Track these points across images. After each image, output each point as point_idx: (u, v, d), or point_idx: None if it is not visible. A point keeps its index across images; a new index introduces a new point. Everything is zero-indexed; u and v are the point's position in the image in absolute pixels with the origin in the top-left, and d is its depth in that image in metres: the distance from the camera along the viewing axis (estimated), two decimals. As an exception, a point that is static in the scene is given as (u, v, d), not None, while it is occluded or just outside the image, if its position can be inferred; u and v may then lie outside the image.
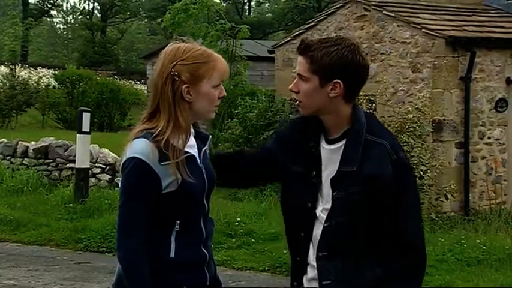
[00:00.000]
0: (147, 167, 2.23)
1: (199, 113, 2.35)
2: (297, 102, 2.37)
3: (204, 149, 2.40)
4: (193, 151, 2.35)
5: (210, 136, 2.49)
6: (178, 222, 2.31)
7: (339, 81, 2.26)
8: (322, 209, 2.34)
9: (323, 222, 2.32)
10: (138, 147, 2.25)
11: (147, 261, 2.26)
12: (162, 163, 2.23)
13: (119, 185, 2.35)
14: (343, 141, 2.31)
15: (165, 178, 2.25)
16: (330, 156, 2.33)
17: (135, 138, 2.28)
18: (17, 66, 23.89)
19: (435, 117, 10.32)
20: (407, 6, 11.58)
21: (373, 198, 2.25)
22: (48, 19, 51.40)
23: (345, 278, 2.30)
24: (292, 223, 2.45)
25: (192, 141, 2.37)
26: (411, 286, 2.32)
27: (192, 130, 2.38)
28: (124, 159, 2.28)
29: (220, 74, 2.34)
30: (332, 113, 2.32)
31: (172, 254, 2.30)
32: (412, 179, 2.38)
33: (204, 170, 2.36)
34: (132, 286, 2.27)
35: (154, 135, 2.25)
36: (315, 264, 2.35)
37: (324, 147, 2.36)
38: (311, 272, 2.38)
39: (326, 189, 2.33)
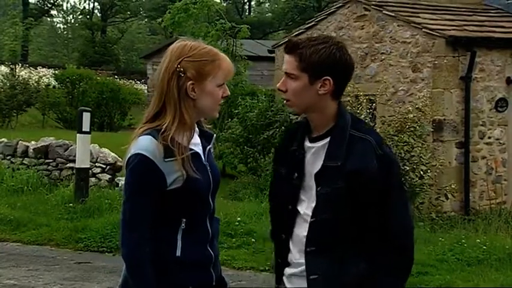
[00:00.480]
0: (151, 164, 2.24)
1: (202, 111, 2.36)
2: (285, 101, 2.39)
3: (208, 147, 2.42)
4: (198, 149, 2.37)
5: (214, 135, 2.50)
6: (184, 220, 2.31)
7: (328, 78, 2.29)
8: (307, 207, 2.35)
9: (309, 219, 2.33)
10: (143, 144, 2.26)
11: (150, 259, 2.25)
12: (166, 160, 2.24)
13: (123, 182, 2.35)
14: (328, 138, 2.34)
15: (170, 175, 2.25)
16: (316, 155, 2.35)
17: (140, 136, 2.29)
18: (17, 66, 23.91)
19: (435, 117, 10.33)
20: (408, 6, 11.58)
21: (357, 194, 2.26)
22: (49, 19, 51.41)
23: (330, 273, 2.31)
24: (276, 225, 2.49)
25: (197, 139, 2.39)
26: (396, 283, 2.31)
27: (197, 129, 2.40)
28: (128, 155, 2.29)
29: (225, 74, 2.36)
30: (319, 111, 2.34)
31: (178, 253, 2.30)
32: (397, 175, 2.36)
33: (208, 168, 2.38)
34: (136, 283, 2.27)
35: (160, 132, 2.26)
36: (297, 261, 2.37)
37: (309, 146, 2.38)
38: (289, 270, 2.41)
39: (312, 188, 2.34)
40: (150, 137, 2.26)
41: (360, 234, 2.30)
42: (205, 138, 2.43)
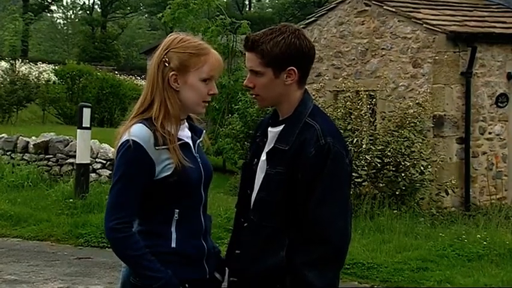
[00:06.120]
0: (142, 150, 2.25)
1: (186, 104, 2.36)
2: (254, 96, 2.42)
3: (198, 141, 2.44)
4: (188, 140, 2.39)
5: (204, 131, 2.52)
6: (177, 211, 2.32)
7: (293, 68, 2.32)
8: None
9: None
10: (136, 131, 2.28)
11: (139, 241, 2.27)
12: (157, 147, 2.26)
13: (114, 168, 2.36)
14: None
15: (160, 162, 2.27)
16: (273, 139, 2.38)
17: (132, 125, 2.31)
18: (17, 62, 23.84)
19: (436, 113, 10.32)
20: (408, 1, 11.55)
21: (292, 179, 2.27)
22: (49, 14, 51.39)
23: (251, 254, 2.34)
24: (237, 211, 2.51)
25: (188, 132, 2.41)
26: (320, 275, 2.23)
27: (187, 124, 2.42)
28: (120, 142, 2.31)
29: (210, 69, 2.35)
30: (286, 100, 2.37)
31: (173, 244, 2.31)
32: (333, 167, 2.26)
33: (199, 160, 2.39)
34: (127, 260, 2.28)
35: (151, 120, 2.29)
36: None
37: (270, 131, 2.41)
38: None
39: (264, 169, 2.37)
40: (141, 124, 2.29)
41: (289, 222, 2.29)
42: (195, 132, 2.45)
